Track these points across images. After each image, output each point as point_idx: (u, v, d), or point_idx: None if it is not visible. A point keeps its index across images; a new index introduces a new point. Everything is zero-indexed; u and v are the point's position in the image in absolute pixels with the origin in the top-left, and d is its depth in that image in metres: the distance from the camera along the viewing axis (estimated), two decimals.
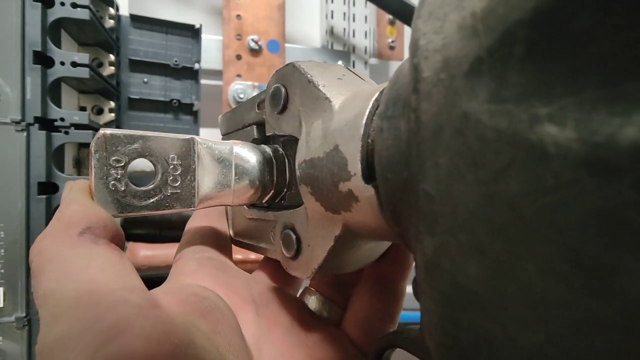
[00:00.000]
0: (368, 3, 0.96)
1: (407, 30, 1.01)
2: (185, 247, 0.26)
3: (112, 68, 0.69)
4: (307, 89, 0.20)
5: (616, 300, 0.08)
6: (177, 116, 0.78)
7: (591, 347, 0.09)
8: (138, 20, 0.74)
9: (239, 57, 0.84)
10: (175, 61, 0.76)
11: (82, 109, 0.67)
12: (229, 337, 0.19)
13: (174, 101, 0.76)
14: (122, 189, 0.20)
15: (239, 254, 0.41)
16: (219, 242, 0.27)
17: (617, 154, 0.08)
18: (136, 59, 0.74)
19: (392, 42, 1.01)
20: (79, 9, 0.54)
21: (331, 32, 0.96)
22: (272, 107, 0.22)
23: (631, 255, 0.08)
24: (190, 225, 0.28)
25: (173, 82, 0.77)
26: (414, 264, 0.17)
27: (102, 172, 0.19)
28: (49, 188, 0.53)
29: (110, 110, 0.69)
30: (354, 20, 0.98)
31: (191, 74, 0.78)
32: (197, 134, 0.78)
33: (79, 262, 0.17)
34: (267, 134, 0.24)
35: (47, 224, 0.51)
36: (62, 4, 0.54)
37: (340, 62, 0.92)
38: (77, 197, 0.19)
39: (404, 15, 0.84)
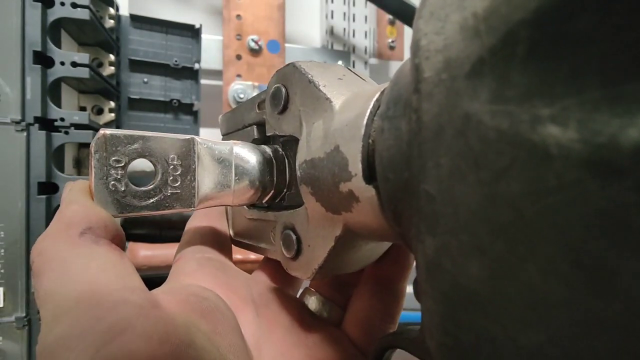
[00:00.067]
0: (368, 3, 0.96)
1: (407, 31, 1.01)
2: (185, 247, 0.26)
3: (112, 68, 0.69)
4: (307, 89, 0.20)
5: (617, 301, 0.08)
6: (177, 116, 0.78)
7: (592, 347, 0.09)
8: (138, 20, 0.74)
9: (239, 57, 0.84)
10: (175, 61, 0.76)
11: (82, 109, 0.67)
12: (229, 338, 0.19)
13: (174, 101, 0.76)
14: (122, 189, 0.20)
15: (238, 254, 0.41)
16: (219, 242, 0.27)
17: (619, 155, 0.08)
18: (136, 59, 0.74)
19: (392, 42, 1.01)
20: (79, 9, 0.54)
21: (331, 32, 0.96)
22: (272, 107, 0.22)
23: (632, 256, 0.08)
24: (190, 225, 0.28)
25: (173, 82, 0.77)
26: (414, 264, 0.17)
27: (102, 172, 0.19)
28: (49, 188, 0.53)
29: (110, 110, 0.68)
30: (354, 20, 0.98)
31: (191, 74, 0.78)
32: (197, 134, 0.78)
33: (80, 263, 0.17)
34: (268, 134, 0.24)
35: (47, 224, 0.51)
36: (62, 4, 0.54)
37: (340, 62, 0.92)
38: (77, 198, 0.19)
39: (404, 15, 0.84)
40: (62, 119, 0.54)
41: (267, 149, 0.24)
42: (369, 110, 0.16)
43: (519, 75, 0.09)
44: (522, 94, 0.09)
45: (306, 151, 0.19)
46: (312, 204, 0.20)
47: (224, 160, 0.22)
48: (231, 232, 0.29)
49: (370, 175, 0.16)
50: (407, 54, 1.03)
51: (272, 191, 0.24)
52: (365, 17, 0.99)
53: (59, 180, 0.53)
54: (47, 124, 0.53)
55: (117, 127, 0.71)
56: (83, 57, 0.54)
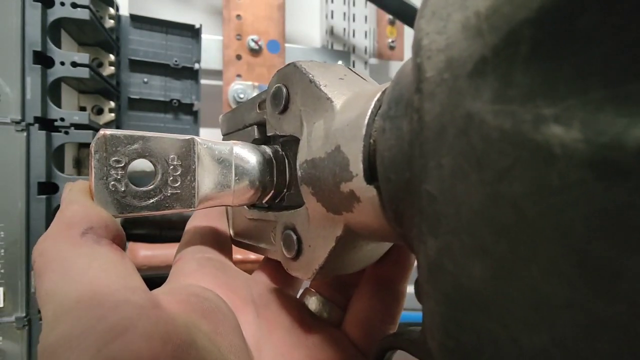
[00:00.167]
0: (368, 3, 0.96)
1: (407, 30, 1.01)
2: (185, 248, 0.26)
3: (112, 68, 0.69)
4: (308, 89, 0.20)
5: (620, 302, 0.08)
6: (177, 116, 0.78)
7: (595, 348, 0.09)
8: (138, 20, 0.74)
9: (239, 57, 0.84)
10: (175, 61, 0.76)
11: (82, 109, 0.67)
12: (230, 338, 0.19)
13: (174, 101, 0.76)
14: (122, 189, 0.20)
15: (238, 254, 0.41)
16: (219, 242, 0.27)
17: (623, 155, 0.08)
18: (136, 59, 0.74)
19: (392, 42, 1.01)
20: (79, 9, 0.54)
21: (331, 32, 0.96)
22: (273, 107, 0.22)
23: (636, 257, 0.08)
24: (190, 225, 0.28)
25: (173, 82, 0.77)
26: (415, 264, 0.17)
27: (102, 172, 0.19)
28: (49, 188, 0.53)
29: (110, 110, 0.68)
30: (354, 20, 0.98)
31: (191, 74, 0.78)
32: (197, 134, 0.78)
33: (81, 263, 0.17)
34: (268, 134, 0.24)
35: (47, 223, 0.51)
36: (62, 4, 0.54)
37: (340, 62, 0.92)
38: (77, 198, 0.19)
39: (404, 15, 0.83)
40: (62, 119, 0.54)
41: (267, 149, 0.24)
42: (370, 110, 0.16)
43: (522, 75, 0.09)
44: (525, 93, 0.09)
45: (307, 151, 0.19)
46: (312, 204, 0.20)
47: (224, 161, 0.22)
48: (231, 232, 0.29)
49: (371, 175, 0.16)
50: (407, 54, 1.03)
51: (272, 191, 0.24)
52: (365, 17, 0.99)
53: (59, 180, 0.53)
54: (47, 124, 0.53)
55: (117, 127, 0.71)
56: (83, 57, 0.54)
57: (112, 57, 0.68)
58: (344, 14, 0.98)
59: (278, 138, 0.24)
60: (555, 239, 0.09)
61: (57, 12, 0.54)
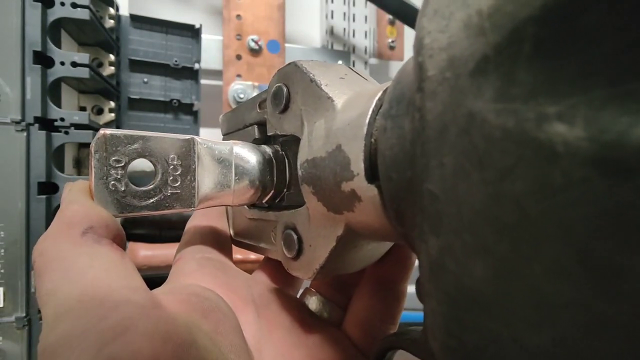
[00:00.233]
0: (368, 3, 0.96)
1: (407, 30, 1.01)
2: (185, 247, 0.25)
3: (112, 68, 0.69)
4: (309, 88, 0.20)
5: (624, 301, 0.08)
6: (177, 116, 0.78)
7: (598, 348, 0.09)
8: (138, 20, 0.74)
9: (239, 57, 0.84)
10: (175, 61, 0.76)
11: (82, 109, 0.67)
12: (230, 338, 0.19)
13: (174, 101, 0.76)
14: (122, 189, 0.20)
15: (238, 254, 0.41)
16: (219, 242, 0.27)
17: (627, 153, 0.08)
18: (136, 59, 0.74)
19: (392, 42, 1.01)
20: (79, 9, 0.54)
21: (331, 32, 0.96)
22: (273, 106, 0.22)
23: None
24: (190, 225, 0.28)
25: (173, 82, 0.77)
26: (416, 264, 0.17)
27: (102, 172, 0.19)
28: (49, 188, 0.53)
29: (110, 110, 0.68)
30: (354, 20, 0.98)
31: (191, 74, 0.78)
32: (197, 134, 0.78)
33: (82, 262, 0.17)
34: (269, 133, 0.24)
35: (47, 223, 0.51)
36: (62, 4, 0.53)
37: (340, 62, 0.91)
38: (77, 198, 0.19)
39: (404, 15, 0.83)
40: (62, 119, 0.54)
41: (267, 149, 0.24)
42: (371, 109, 0.16)
43: (525, 73, 0.09)
44: (527, 92, 0.09)
45: (308, 150, 0.19)
46: (313, 203, 0.20)
47: (224, 160, 0.22)
48: (231, 232, 0.29)
49: (372, 175, 0.16)
50: (407, 54, 1.03)
51: (272, 191, 0.24)
52: (365, 17, 0.99)
53: (59, 180, 0.53)
54: (47, 124, 0.53)
55: (117, 127, 0.71)
56: (83, 57, 0.54)
57: (112, 57, 0.68)
58: (344, 14, 0.98)
59: (278, 137, 0.24)
60: (558, 237, 0.09)
61: (57, 12, 0.53)
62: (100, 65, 0.68)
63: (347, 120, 0.17)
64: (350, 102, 0.18)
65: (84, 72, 0.54)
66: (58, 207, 0.19)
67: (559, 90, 0.08)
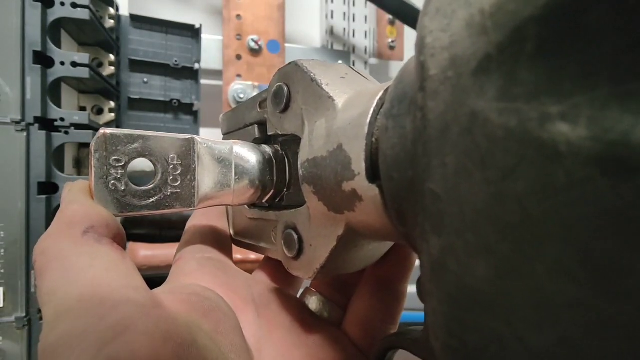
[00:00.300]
0: (368, 3, 0.96)
1: (407, 30, 1.00)
2: (185, 247, 0.25)
3: (112, 68, 0.68)
4: (310, 87, 0.20)
5: (628, 301, 0.08)
6: (177, 116, 0.78)
7: (601, 347, 0.09)
8: (138, 20, 0.74)
9: (239, 57, 0.84)
10: (175, 61, 0.76)
11: (82, 109, 0.66)
12: (230, 337, 0.19)
13: (174, 101, 0.76)
14: (122, 188, 0.20)
15: (238, 254, 0.41)
16: (219, 241, 0.27)
17: (631, 153, 0.08)
18: (136, 59, 0.74)
19: (392, 42, 1.00)
20: (79, 9, 0.54)
21: (331, 32, 0.96)
22: (274, 106, 0.22)
23: None
24: (190, 224, 0.28)
25: (173, 82, 0.77)
26: (416, 264, 0.17)
27: (102, 171, 0.19)
28: (49, 188, 0.53)
29: (110, 110, 0.68)
30: (354, 20, 0.98)
31: (191, 74, 0.78)
32: (197, 134, 0.77)
33: (82, 261, 0.17)
34: (269, 133, 0.24)
35: (47, 224, 0.51)
36: (62, 4, 0.53)
37: (340, 62, 0.91)
38: (77, 198, 0.19)
39: (404, 15, 0.83)
40: (62, 119, 0.53)
41: (267, 149, 0.24)
42: (372, 109, 0.16)
43: (527, 73, 0.09)
44: (530, 91, 0.09)
45: (308, 150, 0.19)
46: (314, 203, 0.19)
47: (224, 160, 0.22)
48: (232, 232, 0.29)
49: (373, 174, 0.16)
50: (407, 54, 1.03)
51: (272, 191, 0.24)
52: (365, 17, 0.99)
53: (59, 180, 0.53)
54: (47, 124, 0.53)
55: (117, 127, 0.71)
56: (83, 57, 0.54)
57: (112, 57, 0.68)
58: (344, 14, 0.98)
59: (279, 137, 0.24)
60: (561, 237, 0.09)
61: (57, 12, 0.53)
62: (100, 65, 0.68)
63: (348, 120, 0.17)
64: (351, 102, 0.18)
65: (84, 72, 0.54)
66: (58, 207, 0.19)
67: (562, 89, 0.08)
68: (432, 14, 0.11)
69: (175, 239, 0.55)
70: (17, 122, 0.50)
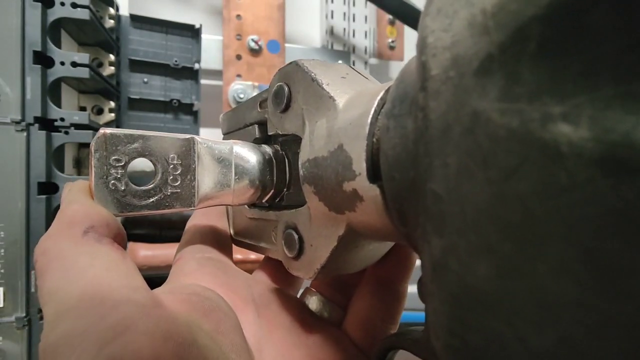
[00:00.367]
0: (368, 3, 0.96)
1: (407, 30, 1.00)
2: (185, 247, 0.25)
3: (112, 68, 0.68)
4: (310, 87, 0.20)
5: (630, 301, 0.08)
6: (177, 116, 0.78)
7: (604, 348, 0.09)
8: (138, 20, 0.74)
9: (239, 57, 0.84)
10: (175, 61, 0.76)
11: (82, 109, 0.66)
12: (231, 337, 0.19)
13: (174, 101, 0.76)
14: (122, 188, 0.20)
15: (238, 254, 0.41)
16: (219, 241, 0.27)
17: (633, 153, 0.08)
18: (136, 59, 0.74)
19: (392, 42, 1.00)
20: (79, 9, 0.54)
21: (331, 32, 0.96)
22: (274, 105, 0.22)
23: None
24: (190, 224, 0.28)
25: (173, 82, 0.77)
26: (417, 264, 0.17)
27: (102, 171, 0.19)
28: (49, 188, 0.53)
29: (110, 110, 0.68)
30: (354, 20, 0.98)
31: (191, 74, 0.78)
32: (197, 134, 0.77)
33: (83, 261, 0.17)
34: (269, 133, 0.24)
35: (47, 223, 0.51)
36: (62, 4, 0.53)
37: (340, 62, 0.91)
38: (77, 198, 0.19)
39: (404, 15, 0.83)
40: (62, 119, 0.53)
41: (267, 149, 0.24)
42: (373, 109, 0.16)
43: (529, 73, 0.09)
44: (532, 91, 0.09)
45: (309, 150, 0.19)
46: (315, 203, 0.19)
47: (224, 160, 0.22)
48: (232, 232, 0.29)
49: (374, 174, 0.16)
50: (407, 54, 1.03)
51: (272, 191, 0.24)
52: (365, 17, 0.99)
53: (59, 180, 0.53)
54: (47, 124, 0.53)
55: (117, 127, 0.71)
56: (83, 57, 0.54)
57: (112, 57, 0.68)
58: (344, 14, 0.98)
59: (279, 137, 0.24)
60: (563, 237, 0.09)
61: (57, 12, 0.53)
62: (100, 65, 0.68)
63: (348, 120, 0.17)
64: (352, 102, 0.18)
65: (84, 72, 0.54)
66: (58, 207, 0.19)
67: (564, 89, 0.08)
68: (433, 14, 0.11)
69: (175, 239, 0.55)
70: (17, 122, 0.50)
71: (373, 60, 1.02)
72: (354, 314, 0.25)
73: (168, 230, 0.66)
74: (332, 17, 0.96)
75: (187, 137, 0.22)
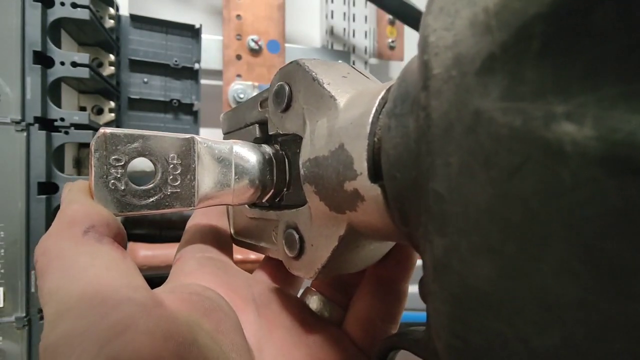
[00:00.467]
0: (368, 3, 0.96)
1: (407, 30, 1.00)
2: (186, 247, 0.25)
3: (112, 68, 0.68)
4: (311, 86, 0.20)
5: (634, 301, 0.08)
6: (177, 116, 0.78)
7: (607, 349, 0.08)
8: (138, 20, 0.74)
9: (239, 57, 0.84)
10: (175, 61, 0.76)
11: (82, 109, 0.66)
12: (231, 336, 0.19)
13: (174, 101, 0.76)
14: (122, 188, 0.20)
15: (239, 253, 0.41)
16: (220, 241, 0.27)
17: (636, 153, 0.07)
18: (136, 59, 0.74)
19: (392, 42, 1.00)
20: (79, 9, 0.54)
21: (331, 32, 0.96)
22: (275, 105, 0.22)
23: None
24: (191, 224, 0.28)
25: (173, 82, 0.77)
26: (418, 264, 0.17)
27: (102, 171, 0.19)
28: (49, 188, 0.53)
29: (110, 110, 0.68)
30: (354, 20, 0.98)
31: (191, 74, 0.78)
32: (197, 134, 0.77)
33: (83, 261, 0.17)
34: (270, 132, 0.24)
35: (47, 223, 0.51)
36: (62, 4, 0.53)
37: (340, 62, 0.91)
38: (77, 197, 0.19)
39: (404, 15, 0.83)
40: (62, 119, 0.53)
41: (267, 149, 0.24)
42: (374, 108, 0.16)
43: (532, 72, 0.09)
44: (535, 90, 0.09)
45: (310, 149, 0.19)
46: (315, 203, 0.19)
47: (224, 160, 0.22)
48: (232, 231, 0.29)
49: (375, 174, 0.16)
50: (407, 54, 1.03)
51: (272, 190, 0.24)
52: (365, 17, 0.99)
53: (59, 180, 0.53)
54: (47, 124, 0.53)
55: (117, 127, 0.70)
56: (83, 57, 0.54)
57: (112, 57, 0.68)
58: (344, 14, 0.97)
59: (279, 137, 0.24)
60: (566, 237, 0.09)
61: (57, 12, 0.53)
62: (100, 65, 0.68)
63: (350, 119, 0.17)
64: (353, 101, 0.18)
65: (84, 72, 0.54)
66: (58, 207, 0.19)
67: (567, 88, 0.08)
68: (435, 13, 0.11)
69: (175, 239, 0.55)
70: (17, 122, 0.50)
71: (373, 60, 1.02)
72: (355, 313, 0.24)
73: (168, 230, 0.66)
74: (332, 17, 0.96)
75: (187, 136, 0.22)
